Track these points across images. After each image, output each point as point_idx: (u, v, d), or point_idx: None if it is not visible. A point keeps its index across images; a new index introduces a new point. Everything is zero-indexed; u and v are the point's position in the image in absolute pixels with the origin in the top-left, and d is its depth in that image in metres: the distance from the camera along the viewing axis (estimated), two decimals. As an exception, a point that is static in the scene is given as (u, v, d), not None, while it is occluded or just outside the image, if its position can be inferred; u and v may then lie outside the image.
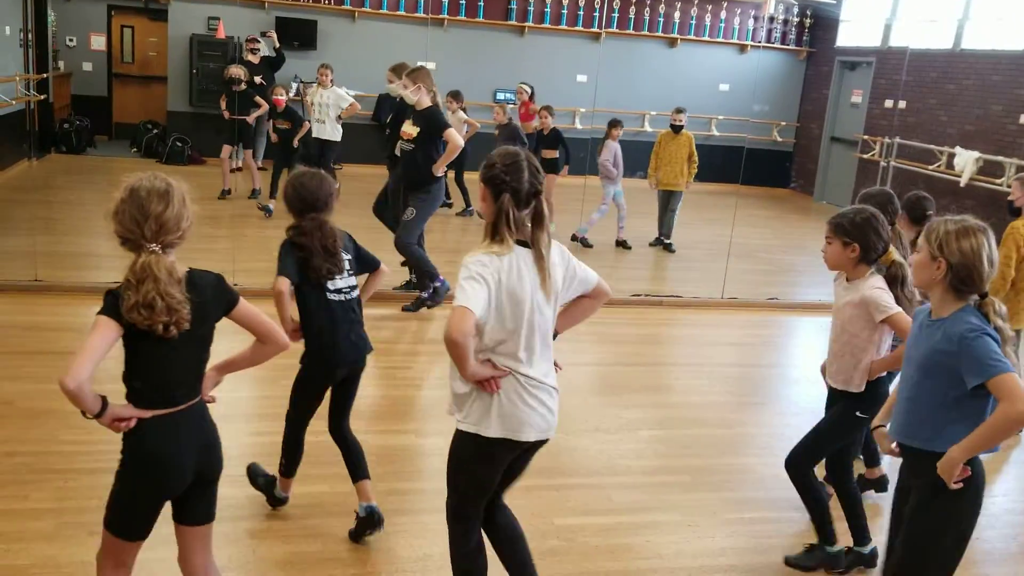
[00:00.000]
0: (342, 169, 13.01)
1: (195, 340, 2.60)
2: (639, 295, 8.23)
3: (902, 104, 13.01)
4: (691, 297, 8.35)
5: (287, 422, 3.85)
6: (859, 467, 4.60)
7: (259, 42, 11.95)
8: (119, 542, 2.67)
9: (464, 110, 10.74)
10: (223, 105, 10.75)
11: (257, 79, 11.05)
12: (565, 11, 14.37)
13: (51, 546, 3.57)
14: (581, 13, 14.39)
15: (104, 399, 2.51)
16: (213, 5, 13.15)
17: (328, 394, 3.81)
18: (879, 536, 3.72)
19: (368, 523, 3.77)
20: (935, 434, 2.78)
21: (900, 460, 3.01)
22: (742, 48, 15.24)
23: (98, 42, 14.78)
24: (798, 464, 3.83)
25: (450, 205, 11.23)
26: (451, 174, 9.08)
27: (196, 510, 2.75)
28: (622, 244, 10.21)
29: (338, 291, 3.65)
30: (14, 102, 11.12)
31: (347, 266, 3.68)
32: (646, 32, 14.77)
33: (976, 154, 11.44)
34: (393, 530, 3.88)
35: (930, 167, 12.23)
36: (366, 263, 3.83)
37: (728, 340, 7.49)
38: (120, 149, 13.95)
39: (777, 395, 6.35)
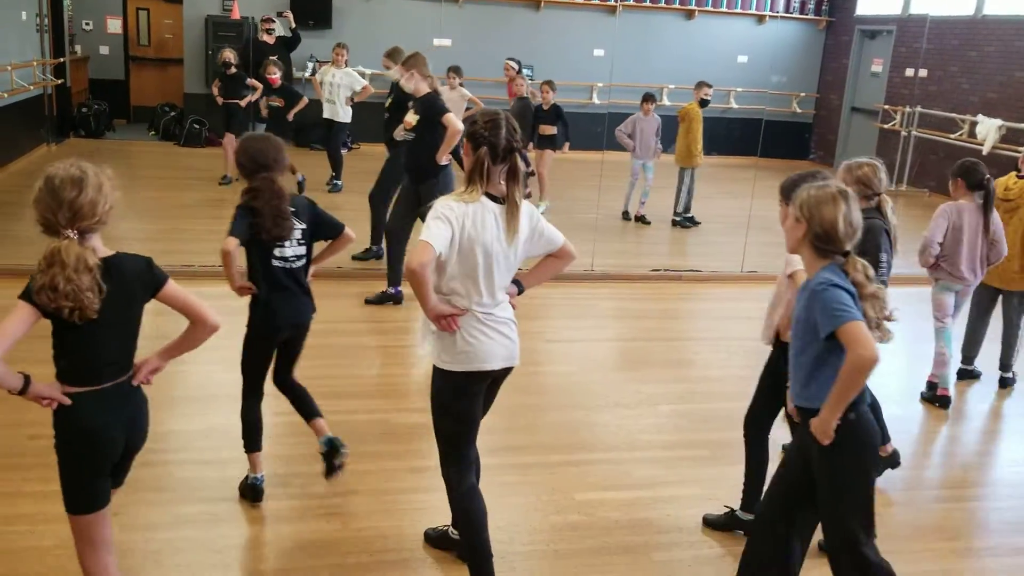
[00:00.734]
0: (359, 148, 13.03)
1: (121, 322, 2.65)
2: (658, 270, 8.20)
3: (923, 72, 12.81)
4: (710, 271, 8.31)
5: (242, 394, 3.83)
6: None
7: (274, 22, 11.88)
8: (81, 520, 2.73)
9: (462, 85, 10.51)
10: (215, 91, 10.45)
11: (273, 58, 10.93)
12: (581, -16, 14.25)
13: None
14: (597, -14, 14.26)
15: (27, 377, 2.60)
16: (227, -14, 13.13)
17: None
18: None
19: (332, 454, 3.84)
20: (819, 392, 2.84)
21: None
22: (760, 19, 15.06)
23: (114, 25, 14.82)
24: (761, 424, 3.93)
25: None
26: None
27: (116, 478, 2.82)
28: (640, 219, 10.17)
29: (284, 259, 3.65)
30: (32, 87, 11.17)
31: (298, 235, 3.66)
32: (663, 4, 14.62)
33: (999, 122, 11.29)
34: (411, 507, 3.91)
35: (952, 136, 12.08)
36: (327, 227, 3.80)
37: (747, 314, 7.40)
38: (138, 132, 14.01)
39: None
